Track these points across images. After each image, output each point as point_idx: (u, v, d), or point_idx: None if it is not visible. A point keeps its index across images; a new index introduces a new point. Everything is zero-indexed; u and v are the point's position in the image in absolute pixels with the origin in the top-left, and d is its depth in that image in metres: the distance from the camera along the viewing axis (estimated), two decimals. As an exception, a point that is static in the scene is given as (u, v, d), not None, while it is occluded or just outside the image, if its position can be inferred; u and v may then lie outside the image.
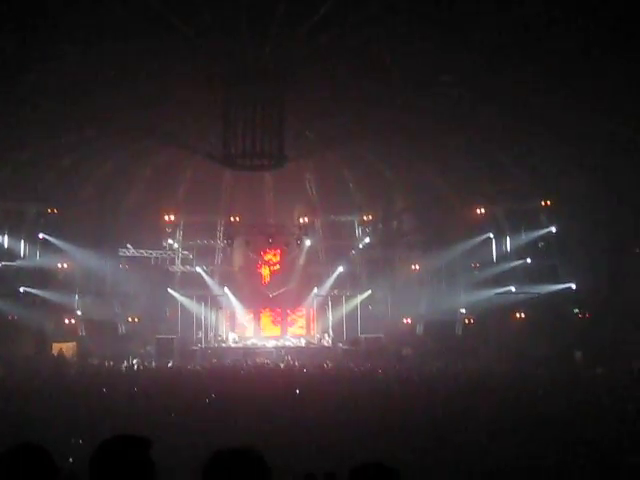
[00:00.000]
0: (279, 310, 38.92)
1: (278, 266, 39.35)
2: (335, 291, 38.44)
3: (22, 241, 32.79)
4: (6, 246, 32.29)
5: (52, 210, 33.42)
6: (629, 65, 20.19)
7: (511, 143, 29.17)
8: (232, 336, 37.32)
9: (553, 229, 32.25)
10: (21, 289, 32.05)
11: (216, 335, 37.95)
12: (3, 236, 32.17)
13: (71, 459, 12.12)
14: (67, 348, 33.64)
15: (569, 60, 20.91)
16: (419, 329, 36.26)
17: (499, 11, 18.38)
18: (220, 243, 38.44)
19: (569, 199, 30.78)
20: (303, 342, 37.18)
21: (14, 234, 32.51)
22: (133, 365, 30.71)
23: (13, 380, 24.22)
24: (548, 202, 32.21)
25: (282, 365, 31.06)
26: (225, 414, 16.51)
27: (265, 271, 39.31)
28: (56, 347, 33.39)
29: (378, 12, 18.72)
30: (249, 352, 35.19)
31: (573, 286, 31.27)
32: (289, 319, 39.16)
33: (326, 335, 37.48)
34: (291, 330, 38.79)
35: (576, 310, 31.65)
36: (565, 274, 31.85)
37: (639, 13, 17.43)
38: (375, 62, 22.39)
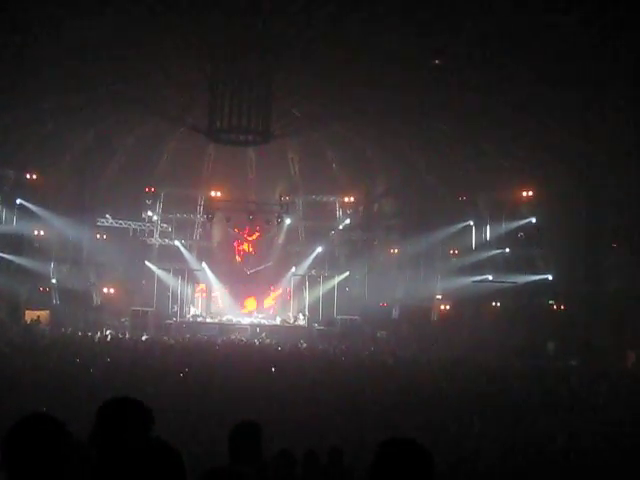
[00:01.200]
0: (256, 287, 38.78)
1: (257, 244, 39.24)
2: (313, 271, 38.44)
3: (-1, 206, 32.40)
4: (-18, 211, 31.88)
5: (31, 176, 32.95)
6: (618, 56, 20.23)
7: (496, 132, 29.17)
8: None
9: (533, 220, 32.35)
10: (-5, 254, 31.67)
11: (191, 310, 37.84)
12: (-20, 201, 31.74)
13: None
14: (41, 316, 33.38)
15: (555, 50, 20.90)
16: (395, 313, 36.40)
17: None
18: (200, 218, 38.26)
19: (550, 191, 30.90)
20: (278, 320, 37.16)
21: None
22: (106, 336, 30.50)
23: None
24: (530, 193, 32.27)
25: (257, 342, 31.03)
26: (200, 388, 16.50)
27: (244, 248, 39.16)
28: (29, 314, 33.12)
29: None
30: (224, 328, 35.12)
31: (550, 277, 31.44)
32: (265, 297, 39.05)
33: (301, 315, 37.49)
34: (266, 308, 38.71)
35: (551, 301, 31.84)
36: (543, 265, 32.03)
37: None
38: (364, 42, 22.25)
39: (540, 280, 31.63)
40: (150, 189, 36.57)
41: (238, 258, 39.04)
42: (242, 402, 14.21)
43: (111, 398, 3.21)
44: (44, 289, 33.91)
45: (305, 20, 20.46)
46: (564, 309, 31.37)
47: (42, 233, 33.45)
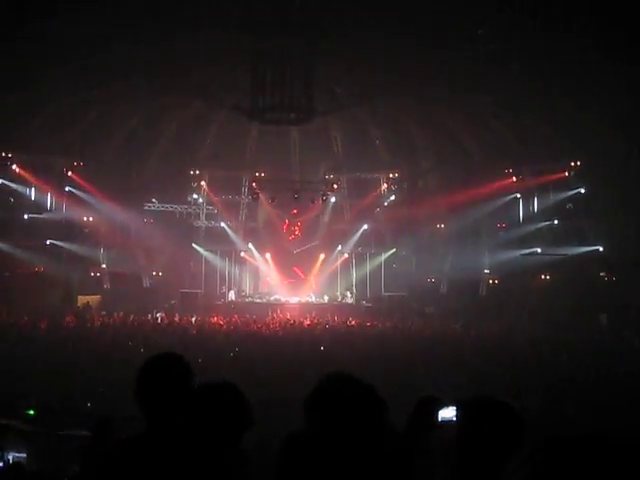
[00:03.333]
0: (303, 266, 38.84)
1: (302, 223, 39.28)
2: (359, 249, 38.37)
3: (49, 194, 32.96)
4: (33, 198, 32.46)
5: (78, 163, 33.48)
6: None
7: (541, 102, 28.61)
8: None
9: (582, 190, 31.73)
10: (48, 242, 32.29)
11: (240, 290, 38.15)
12: (30, 189, 32.32)
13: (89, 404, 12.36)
14: (92, 301, 34.05)
15: (604, 15, 20.38)
16: (443, 288, 36.18)
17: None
18: (245, 199, 38.41)
19: (599, 160, 30.24)
20: (326, 299, 37.25)
21: (41, 187, 32.65)
22: (157, 318, 30.96)
23: (39, 332, 24.60)
24: (578, 163, 31.64)
25: (306, 321, 31.17)
26: (249, 369, 16.64)
27: (290, 227, 39.24)
28: (82, 300, 33.81)
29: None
30: (273, 307, 35.34)
31: (600, 248, 30.85)
32: (313, 275, 39.10)
33: (349, 292, 37.53)
34: (314, 287, 38.78)
35: (603, 273, 31.27)
36: (593, 236, 31.41)
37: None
38: (406, 16, 21.98)
39: (590, 251, 31.06)
40: (195, 172, 36.86)
41: (284, 237, 39.08)
42: (292, 381, 14.31)
43: (153, 356, 3.32)
44: (95, 274, 34.48)
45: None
46: (616, 280, 30.76)
47: (91, 219, 34.03)
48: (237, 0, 21.08)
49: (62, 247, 32.73)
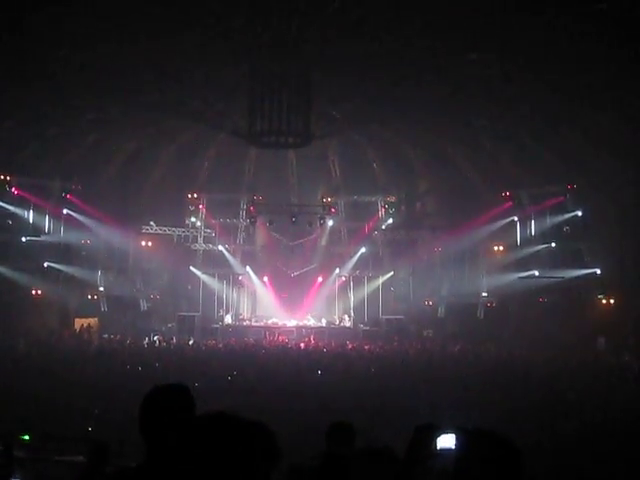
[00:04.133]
0: (300, 289, 38.78)
1: (300, 246, 39.29)
2: (357, 272, 38.37)
3: (47, 216, 32.95)
4: (31, 221, 32.45)
5: (76, 186, 33.53)
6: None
7: (538, 125, 28.75)
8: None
9: (579, 213, 31.82)
10: (45, 264, 32.25)
11: (237, 314, 38.07)
12: (28, 211, 32.32)
13: (90, 428, 12.26)
14: (89, 323, 33.94)
15: (601, 41, 20.52)
16: (440, 311, 36.11)
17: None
18: (243, 222, 38.46)
19: (596, 183, 30.32)
20: (324, 322, 37.17)
21: (39, 209, 32.66)
22: (154, 342, 30.87)
23: (37, 354, 24.49)
24: (574, 185, 31.76)
25: (303, 345, 31.08)
26: (246, 392, 16.55)
27: (287, 250, 39.22)
28: (78, 322, 33.71)
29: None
30: (270, 331, 35.26)
31: (598, 271, 30.87)
32: (310, 299, 39.03)
33: (347, 316, 37.46)
34: (311, 310, 38.69)
35: (600, 296, 31.24)
36: (590, 259, 31.46)
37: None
38: (403, 41, 22.12)
39: (588, 274, 31.10)
40: (193, 195, 36.96)
41: (282, 261, 39.04)
42: (290, 405, 14.23)
43: (154, 387, 3.30)
44: (92, 297, 34.41)
45: (343, 20, 20.39)
46: (614, 303, 30.74)
47: (89, 242, 34.03)
48: (235, 25, 21.17)
49: (59, 270, 32.67)
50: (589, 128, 27.38)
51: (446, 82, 25.50)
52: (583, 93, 24.58)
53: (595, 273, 31.01)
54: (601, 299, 31.33)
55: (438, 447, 3.64)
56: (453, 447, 3.32)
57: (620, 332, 28.43)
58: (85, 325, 33.34)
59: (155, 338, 31.77)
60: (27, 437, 9.65)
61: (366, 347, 30.13)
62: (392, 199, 38.47)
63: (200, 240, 38.09)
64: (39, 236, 32.47)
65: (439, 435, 3.70)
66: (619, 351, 26.55)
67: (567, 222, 32.38)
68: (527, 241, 33.75)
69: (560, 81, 23.91)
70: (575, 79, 23.48)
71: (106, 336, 31.29)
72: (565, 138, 28.73)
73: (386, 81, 25.79)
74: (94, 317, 34.40)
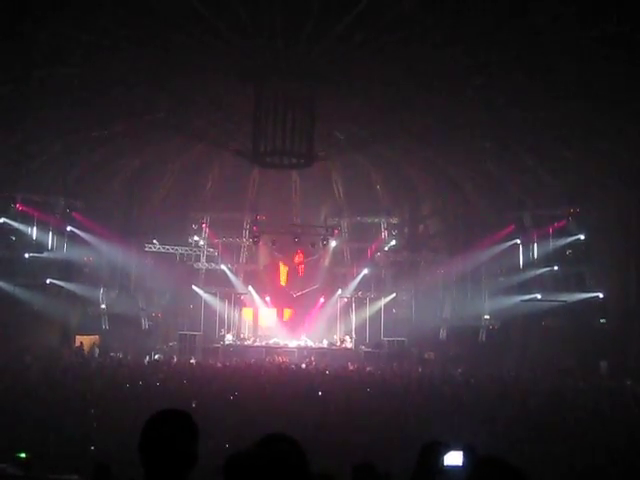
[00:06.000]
0: (302, 310, 38.75)
1: (303, 266, 39.32)
2: (359, 293, 38.32)
3: (50, 233, 32.99)
4: (34, 238, 32.49)
5: (80, 203, 33.61)
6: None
7: (541, 148, 28.83)
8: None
9: (582, 237, 31.80)
10: (48, 281, 32.26)
11: (238, 333, 37.99)
12: (32, 228, 32.36)
13: (92, 447, 12.20)
14: (90, 341, 33.90)
15: (603, 65, 20.62)
16: (442, 334, 36.00)
17: (532, 13, 18.13)
18: (246, 241, 38.46)
19: (599, 207, 30.37)
20: (325, 343, 37.07)
21: (43, 226, 32.71)
22: (156, 360, 30.79)
23: (37, 371, 24.43)
24: (577, 209, 31.78)
25: (304, 365, 30.96)
26: (247, 414, 16.47)
27: (290, 271, 39.24)
28: (79, 340, 33.66)
29: (411, 13, 18.58)
30: (271, 351, 35.17)
31: (601, 295, 30.80)
32: (312, 319, 38.98)
33: (348, 337, 37.36)
34: (313, 331, 38.60)
35: (603, 320, 31.14)
36: (593, 283, 31.40)
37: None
38: (407, 64, 22.25)
39: (590, 298, 31.01)
40: (196, 214, 37.04)
41: (284, 281, 39.07)
42: (289, 428, 14.15)
43: (157, 412, 3.28)
44: (94, 314, 34.36)
45: (347, 43, 20.53)
46: (616, 327, 30.63)
47: (92, 259, 34.05)
48: (241, 46, 21.32)
49: (62, 287, 32.68)
50: (592, 152, 27.45)
51: (450, 105, 25.62)
52: (586, 117, 24.69)
53: (597, 297, 30.93)
54: (603, 323, 31.25)
55: (445, 464, 3.64)
56: (460, 464, 3.32)
57: (622, 356, 28.34)
58: (81, 343, 33.28)
59: (156, 356, 31.71)
60: (24, 455, 9.59)
61: (367, 369, 30.00)
62: (395, 221, 38.51)
63: (203, 259, 38.08)
64: (42, 252, 32.49)
65: (446, 452, 3.70)
66: (621, 375, 26.42)
67: (570, 246, 32.34)
68: (530, 264, 33.69)
69: (564, 105, 24.02)
70: (578, 103, 23.58)
71: (108, 352, 31.21)
72: (568, 162, 28.80)
73: (389, 103, 25.92)
74: (95, 334, 34.35)
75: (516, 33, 19.45)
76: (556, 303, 31.74)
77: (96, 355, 31.84)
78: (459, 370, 29.35)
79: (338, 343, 37.33)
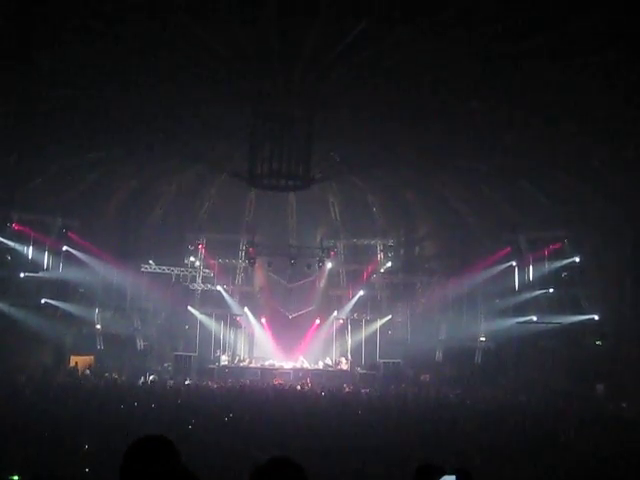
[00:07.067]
0: (298, 332, 38.67)
1: (298, 288, 39.26)
2: (355, 315, 38.28)
3: (46, 253, 32.94)
4: (30, 257, 32.44)
5: (77, 223, 33.61)
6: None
7: (536, 171, 28.97)
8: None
9: (577, 259, 31.87)
10: (42, 300, 32.19)
11: (234, 354, 37.88)
12: (28, 247, 32.33)
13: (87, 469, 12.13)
14: (85, 361, 33.78)
15: (600, 89, 20.80)
16: (438, 356, 35.96)
17: (531, 36, 18.29)
18: (242, 262, 38.46)
19: (594, 229, 30.47)
20: (321, 365, 36.98)
21: (39, 245, 32.67)
22: (152, 381, 30.68)
23: (30, 392, 24.32)
24: (573, 232, 31.87)
25: (299, 387, 30.88)
26: (243, 435, 16.41)
27: (285, 292, 39.19)
28: (74, 360, 33.53)
29: (409, 37, 18.75)
30: (267, 372, 35.07)
31: (596, 317, 30.83)
32: (307, 341, 38.91)
33: (344, 359, 37.29)
34: (309, 353, 38.51)
35: (599, 342, 31.15)
36: (588, 305, 31.43)
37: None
38: (403, 86, 22.42)
39: (586, 320, 31.02)
40: (192, 235, 37.06)
41: (280, 302, 38.97)
42: (284, 449, 14.09)
43: (138, 438, 3.28)
44: (89, 334, 34.24)
45: (345, 65, 20.69)
46: (612, 349, 30.64)
47: (87, 279, 33.99)
48: (238, 68, 21.46)
49: (57, 306, 32.61)
50: (587, 175, 27.59)
51: (446, 127, 25.76)
52: (581, 140, 24.84)
53: (593, 319, 30.95)
54: (599, 346, 31.25)
55: None
56: None
57: (618, 378, 28.31)
58: (75, 363, 33.16)
59: (151, 377, 31.58)
60: (16, 478, 9.54)
61: (363, 391, 29.93)
62: (391, 243, 38.58)
63: (199, 280, 38.05)
64: (38, 272, 32.44)
65: (440, 476, 3.72)
66: (617, 398, 26.40)
67: (565, 268, 32.39)
68: (525, 286, 33.72)
69: (558, 128, 24.19)
70: (573, 126, 23.75)
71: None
72: (563, 184, 28.94)
73: (386, 126, 26.06)
74: (90, 354, 34.23)
75: (513, 56, 19.60)
76: (552, 325, 31.76)
77: (88, 374, 31.72)
78: (455, 392, 29.31)
79: (334, 365, 37.24)
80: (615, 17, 16.73)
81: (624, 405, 25.15)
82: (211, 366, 35.52)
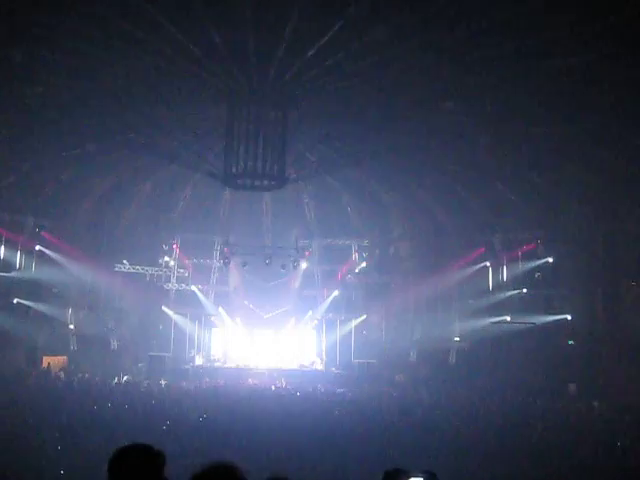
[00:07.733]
0: (272, 332, 38.66)
1: (273, 288, 39.21)
2: (330, 315, 38.33)
3: (18, 252, 32.61)
4: (2, 257, 32.09)
5: (50, 222, 33.29)
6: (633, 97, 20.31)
7: (510, 173, 29.21)
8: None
9: (550, 260, 32.18)
10: (15, 300, 31.85)
11: (209, 354, 37.76)
12: (0, 247, 31.97)
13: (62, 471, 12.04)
14: (58, 362, 33.45)
15: (572, 92, 21.02)
16: (413, 355, 36.11)
17: (504, 38, 18.43)
18: (216, 262, 38.32)
19: (566, 230, 30.80)
20: (296, 365, 36.97)
21: (11, 245, 32.32)
22: (126, 381, 30.47)
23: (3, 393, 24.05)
24: (546, 233, 32.17)
25: (273, 387, 30.83)
26: (217, 435, 16.38)
27: (260, 292, 39.13)
28: (46, 360, 33.20)
29: (383, 38, 18.81)
30: (241, 373, 34.98)
31: (569, 317, 31.15)
32: (282, 341, 38.89)
33: (319, 359, 37.32)
34: (283, 352, 38.51)
35: (571, 341, 31.46)
36: (561, 305, 31.76)
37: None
38: (378, 87, 22.50)
39: (559, 320, 31.34)
40: (167, 235, 36.86)
41: (255, 302, 38.91)
42: (260, 449, 14.09)
43: (121, 447, 3.28)
44: (62, 334, 33.93)
45: (320, 65, 20.70)
46: (584, 349, 30.95)
47: (60, 279, 33.66)
48: (213, 68, 21.41)
49: (29, 307, 32.27)
50: (560, 178, 27.89)
51: (420, 128, 25.89)
52: (555, 142, 25.10)
53: (566, 319, 31.27)
54: (572, 345, 31.57)
55: None
56: None
57: (589, 378, 28.62)
58: (48, 364, 32.86)
59: (125, 378, 31.37)
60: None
61: (338, 391, 29.95)
62: (366, 243, 38.67)
63: (173, 280, 37.84)
64: (10, 272, 32.09)
65: (407, 479, 3.73)
66: (589, 397, 26.67)
67: (539, 268, 32.67)
68: (499, 287, 33.99)
69: (532, 131, 24.42)
70: (546, 129, 23.99)
71: (80, 375, 30.80)
72: (536, 186, 29.22)
73: (361, 126, 26.11)
74: (63, 355, 33.93)
75: (487, 58, 19.74)
76: (525, 325, 32.02)
77: (61, 376, 31.43)
78: (429, 392, 29.42)
79: (309, 365, 37.25)
80: (588, 19, 16.93)
81: (595, 404, 25.39)
82: (185, 366, 35.39)
